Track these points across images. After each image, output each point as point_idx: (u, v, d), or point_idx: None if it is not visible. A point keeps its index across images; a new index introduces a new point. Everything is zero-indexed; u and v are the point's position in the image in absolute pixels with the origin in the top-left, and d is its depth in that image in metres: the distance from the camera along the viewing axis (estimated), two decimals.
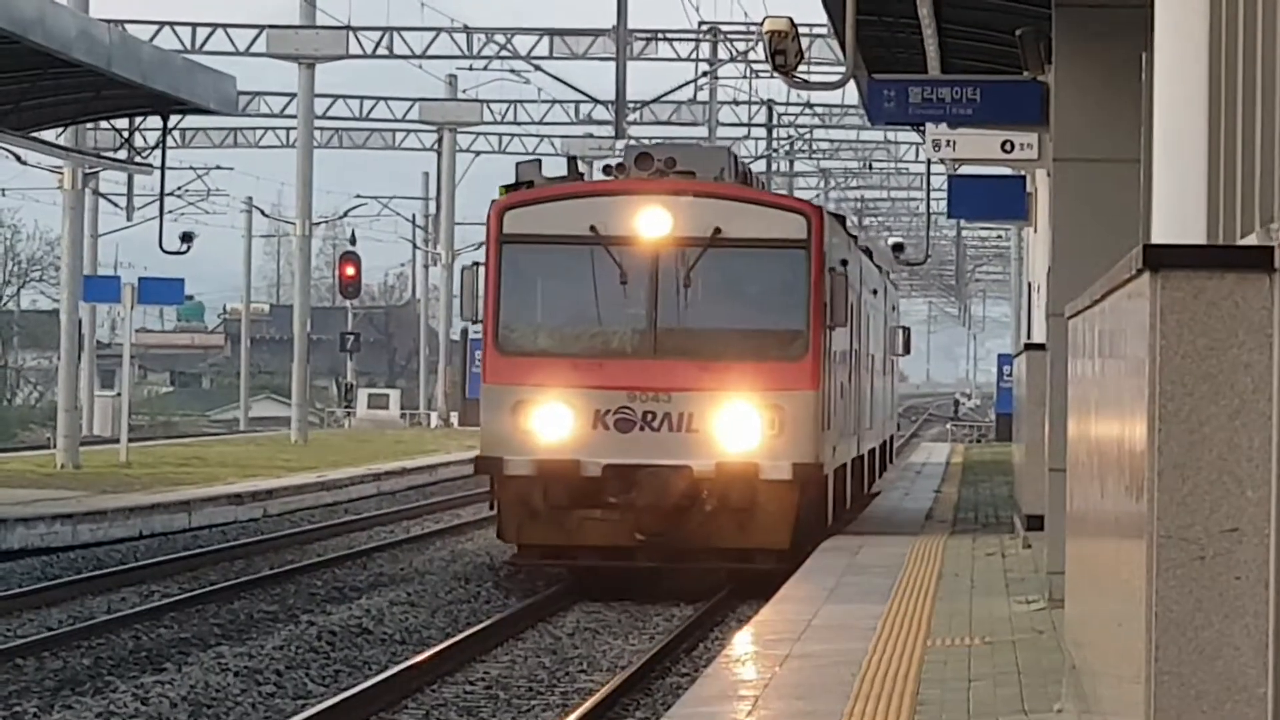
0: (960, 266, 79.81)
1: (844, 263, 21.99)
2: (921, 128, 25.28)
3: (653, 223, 18.73)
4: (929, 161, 41.13)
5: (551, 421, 18.51)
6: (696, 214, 18.83)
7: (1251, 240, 6.36)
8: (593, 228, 18.73)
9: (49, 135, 32.78)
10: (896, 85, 19.29)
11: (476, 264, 19.35)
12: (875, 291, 29.56)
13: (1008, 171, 28.37)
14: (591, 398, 18.48)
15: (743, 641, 12.91)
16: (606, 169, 20.93)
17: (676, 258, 18.77)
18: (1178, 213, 7.96)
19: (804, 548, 18.62)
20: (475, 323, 21.83)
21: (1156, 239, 8.04)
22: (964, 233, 66.75)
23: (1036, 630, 12.84)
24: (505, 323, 19.10)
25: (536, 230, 19.04)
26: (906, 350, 36.17)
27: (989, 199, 29.21)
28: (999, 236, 70.87)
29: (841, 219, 27.47)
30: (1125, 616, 5.36)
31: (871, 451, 30.05)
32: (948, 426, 66.38)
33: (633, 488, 18.13)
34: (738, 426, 18.47)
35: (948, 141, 24.68)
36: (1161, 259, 4.84)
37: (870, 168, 56.95)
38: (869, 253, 31.92)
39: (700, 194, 19.03)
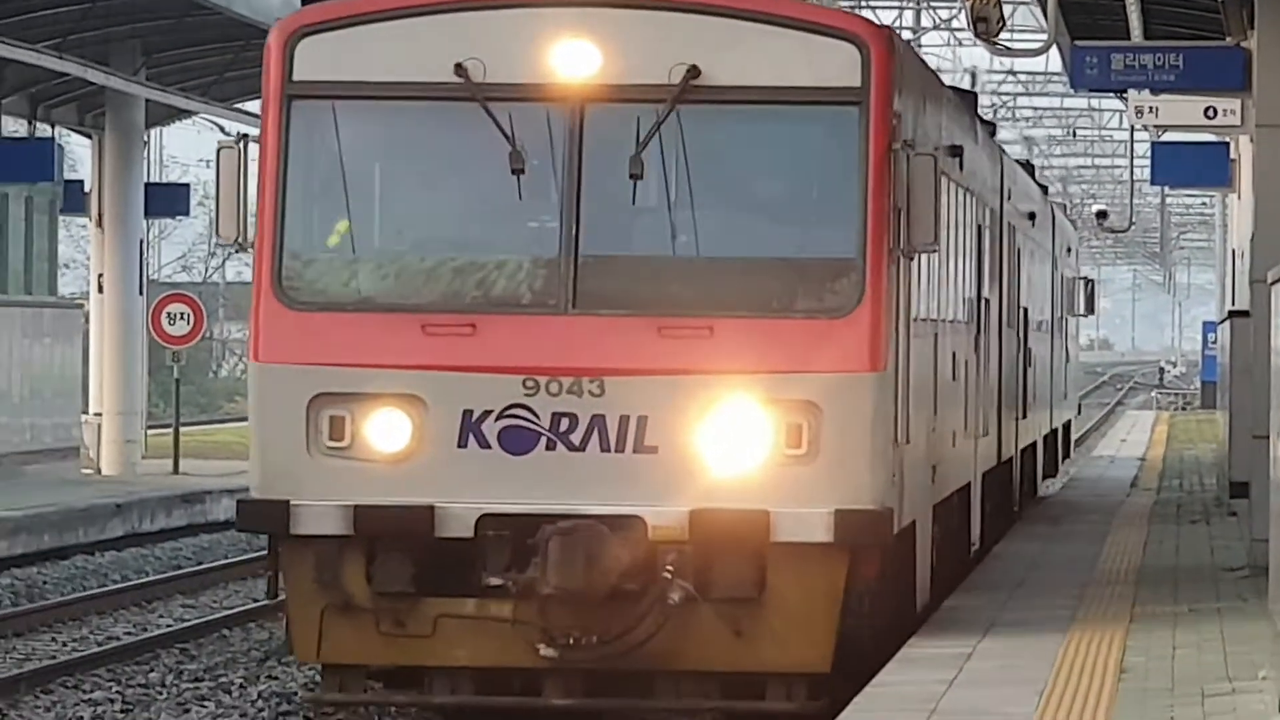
0: (1165, 234, 79.76)
1: (954, 150, 14.20)
2: (1125, 94, 25.29)
3: (573, 58, 10.55)
4: (1132, 128, 41.32)
5: (380, 435, 10.44)
6: (655, 42, 10.62)
7: None
8: (459, 69, 10.51)
9: (252, 106, 32.78)
10: (1099, 51, 20.12)
11: (244, 138, 10.98)
12: (1033, 217, 21.99)
13: (1211, 138, 28.43)
14: (455, 388, 10.35)
15: None
16: None
17: (616, 125, 10.61)
18: None
19: (865, 664, 10.76)
20: (242, 250, 11.19)
21: None
22: (1168, 200, 64.12)
23: (1241, 598, 12.97)
24: (294, 250, 10.74)
25: (353, 75, 10.71)
26: (1090, 310, 31.44)
27: (1192, 166, 30.06)
28: (1204, 204, 72.31)
29: (967, 94, 19.57)
30: None
31: (1032, 445, 23.60)
32: (1153, 394, 68.60)
33: (534, 559, 10.16)
34: (729, 442, 10.31)
35: (1150, 108, 24.28)
36: None
37: (1074, 135, 56.96)
38: (1030, 170, 25.07)
39: (663, 5, 10.75)
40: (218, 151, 10.75)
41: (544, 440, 10.21)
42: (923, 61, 13.79)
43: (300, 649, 10.62)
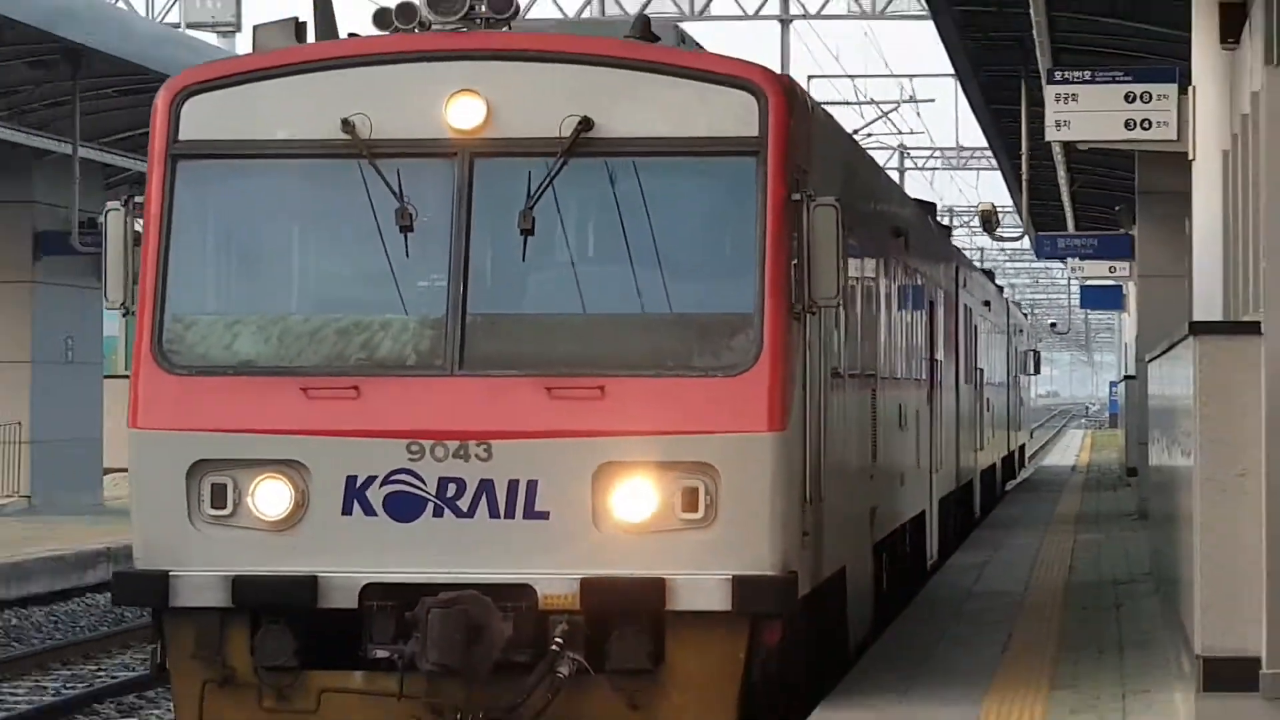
0: (1088, 334, 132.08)
1: (898, 231, 15.52)
2: (1065, 260, 42.56)
3: (461, 112, 9.91)
4: (1069, 279, 61.65)
5: (263, 502, 9.86)
6: (543, 93, 9.96)
7: (1247, 317, 12.61)
8: (345, 124, 9.91)
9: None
10: (1051, 237, 36.39)
11: (130, 200, 10.29)
12: (989, 305, 29.21)
13: (1113, 283, 45.94)
14: (338, 453, 9.79)
15: None
16: (380, 15, 10.38)
17: (506, 180, 9.99)
18: (1204, 306, 16.40)
19: None
20: (128, 315, 10.60)
21: (1196, 318, 15.42)
22: (1091, 315, 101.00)
23: (1132, 529, 25.19)
24: (176, 312, 10.17)
25: (238, 134, 10.15)
26: (1037, 371, 45.57)
27: (1103, 298, 51.96)
28: (1109, 318, 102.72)
29: (927, 204, 22.37)
30: (1181, 522, 10.79)
31: (992, 466, 30.60)
32: (1083, 420, 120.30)
33: (414, 634, 9.61)
34: (622, 507, 9.66)
35: (1078, 267, 42.27)
36: (1198, 329, 9.69)
37: (1037, 282, 77.87)
38: (990, 275, 35.19)
39: (551, 55, 10.11)
40: (105, 214, 10.09)
41: (431, 506, 9.55)
42: (835, 122, 12.75)
43: None
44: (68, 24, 24.61)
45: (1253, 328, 9.29)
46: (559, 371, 9.56)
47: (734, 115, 9.74)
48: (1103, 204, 37.27)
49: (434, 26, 10.03)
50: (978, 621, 14.86)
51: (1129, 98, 16.93)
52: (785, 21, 33.72)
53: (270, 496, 9.68)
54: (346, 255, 10.24)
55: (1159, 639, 13.42)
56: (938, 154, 56.02)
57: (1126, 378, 40.14)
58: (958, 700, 11.07)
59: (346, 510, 9.58)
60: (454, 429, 9.48)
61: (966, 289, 23.67)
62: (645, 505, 9.46)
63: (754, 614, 9.47)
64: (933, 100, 50.37)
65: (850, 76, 49.52)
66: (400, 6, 10.00)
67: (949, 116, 51.96)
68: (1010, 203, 43.96)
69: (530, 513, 9.47)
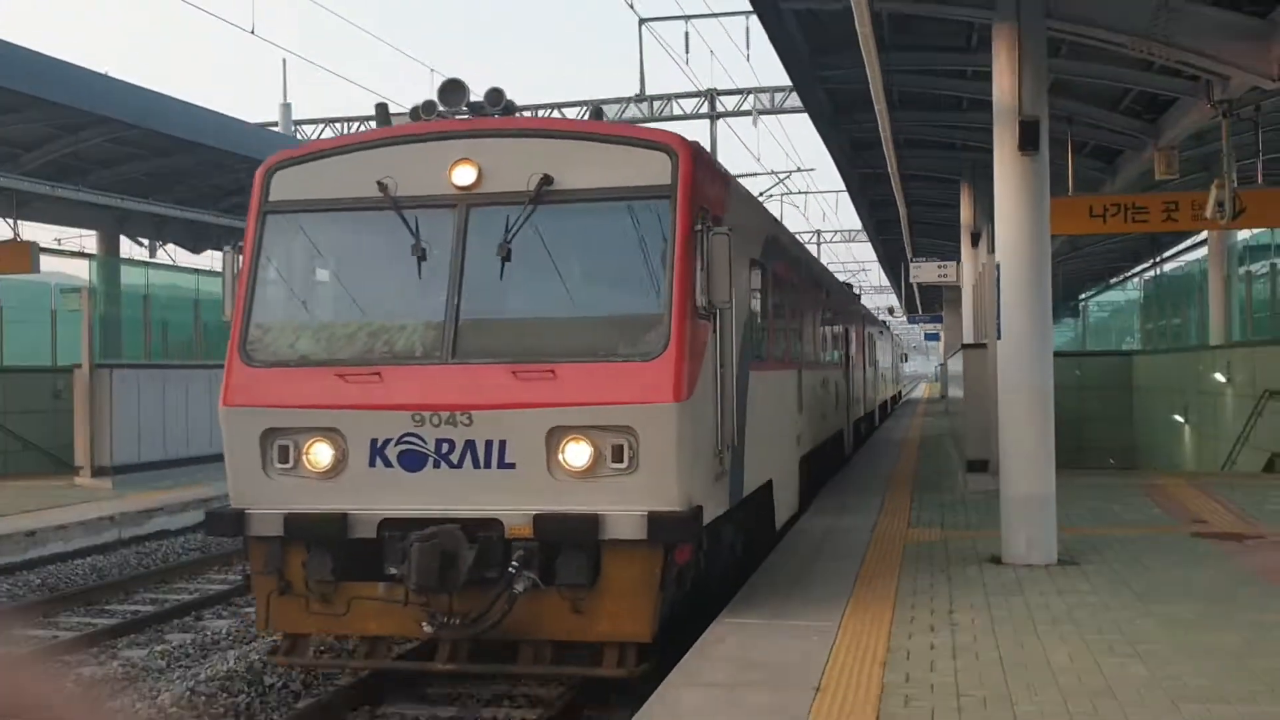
0: (928, 347, 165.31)
1: (818, 283, 23.61)
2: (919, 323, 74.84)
3: (460, 174, 12.44)
4: (926, 335, 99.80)
5: (313, 457, 12.19)
6: (518, 159, 12.35)
7: (984, 341, 27.05)
8: (380, 185, 12.58)
9: None
10: (915, 317, 65.78)
11: (238, 246, 13.18)
12: (882, 332, 53.43)
13: (934, 331, 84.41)
14: (364, 422, 11.98)
15: None
16: (414, 111, 13.22)
17: (491, 222, 12.29)
18: (967, 338, 34.38)
19: (686, 629, 13.27)
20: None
21: (966, 341, 33.28)
22: (928, 342, 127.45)
23: (943, 418, 52.10)
24: (258, 320, 12.77)
25: (309, 194, 12.89)
26: (906, 361, 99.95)
27: (934, 336, 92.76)
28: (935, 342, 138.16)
29: (848, 285, 40.28)
30: (958, 414, 30.58)
31: (882, 404, 51.94)
32: (927, 380, 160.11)
33: (407, 560, 11.75)
34: (569, 459, 11.64)
35: (925, 325, 72.70)
36: (966, 346, 26.64)
37: (891, 312, 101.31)
38: (884, 321, 68.90)
39: (524, 132, 12.48)
40: (224, 254, 13.07)
41: (431, 460, 11.80)
42: (735, 182, 14.68)
43: (259, 621, 12.57)
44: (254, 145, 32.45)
45: (983, 346, 25.00)
46: (523, 359, 11.74)
47: (654, 170, 12.06)
48: (935, 299, 62.77)
49: (443, 115, 12.91)
50: (873, 469, 29.54)
51: (941, 266, 39.60)
52: (713, 119, 43.38)
53: (319, 453, 12.08)
54: (378, 278, 12.57)
55: (951, 462, 30.11)
56: (841, 233, 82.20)
57: (940, 364, 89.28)
58: (867, 503, 22.35)
59: (371, 464, 11.91)
60: (446, 403, 11.68)
61: (868, 324, 40.91)
62: (584, 458, 11.54)
63: (667, 538, 11.50)
64: (814, 169, 72.55)
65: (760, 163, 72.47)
66: (425, 103, 12.97)
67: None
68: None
69: (502, 464, 11.63)
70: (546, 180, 12.16)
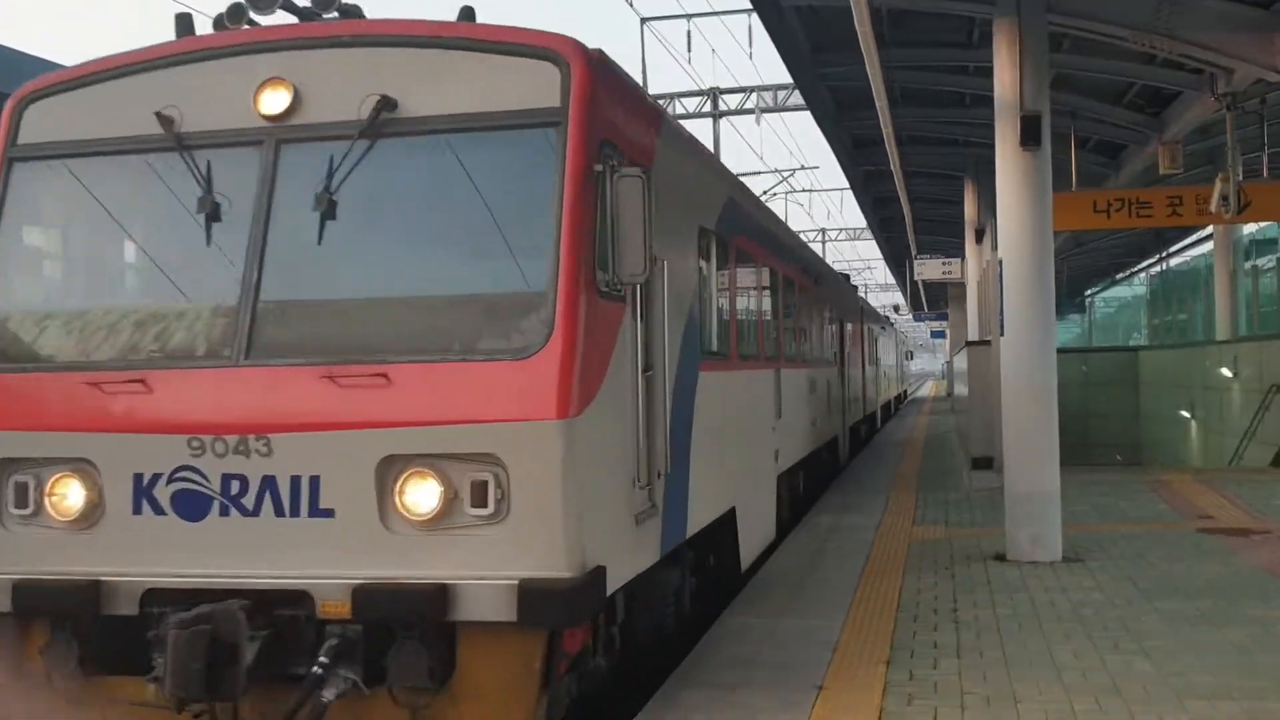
0: (934, 345, 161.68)
1: (809, 271, 19.90)
2: (925, 321, 70.40)
3: (268, 101, 9.02)
4: (932, 333, 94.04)
5: (58, 501, 8.84)
6: (348, 78, 8.93)
7: (986, 339, 28.90)
8: (161, 118, 9.12)
9: None
10: (920, 314, 63.26)
11: None
12: (884, 329, 48.19)
13: (939, 329, 75.88)
14: (125, 450, 8.59)
15: None
16: (217, 20, 9.61)
17: (311, 165, 8.85)
18: (971, 336, 35.44)
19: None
20: None
21: (970, 339, 33.13)
22: (934, 340, 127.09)
23: (949, 415, 51.62)
24: None
25: (72, 134, 9.42)
26: (911, 359, 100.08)
27: (939, 333, 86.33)
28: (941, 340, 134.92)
29: (844, 276, 33.66)
30: (964, 411, 33.02)
31: (872, 414, 40.08)
32: (933, 378, 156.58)
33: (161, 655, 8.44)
34: (408, 503, 8.29)
35: (931, 323, 68.34)
36: (971, 343, 28.85)
37: (897, 310, 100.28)
38: (886, 317, 63.12)
39: (356, 40, 9.05)
40: None
41: (217, 505, 8.36)
42: (674, 122, 11.11)
43: None
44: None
45: (987, 343, 26.11)
46: (343, 359, 8.29)
47: (536, 87, 8.55)
48: (940, 296, 62.16)
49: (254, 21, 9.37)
50: (880, 459, 31.21)
51: (945, 263, 40.15)
52: (716, 117, 42.68)
53: (67, 495, 8.71)
54: (155, 247, 9.09)
55: (956, 460, 30.51)
56: (846, 231, 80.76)
57: (946, 362, 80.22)
58: (871, 502, 22.40)
59: (137, 509, 8.48)
60: (235, 422, 8.29)
61: (867, 320, 36.97)
62: (432, 501, 8.12)
63: (551, 620, 7.95)
64: (818, 167, 72.29)
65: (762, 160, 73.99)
66: (231, 8, 9.42)
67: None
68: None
69: (315, 510, 8.22)
70: (386, 104, 8.79)
